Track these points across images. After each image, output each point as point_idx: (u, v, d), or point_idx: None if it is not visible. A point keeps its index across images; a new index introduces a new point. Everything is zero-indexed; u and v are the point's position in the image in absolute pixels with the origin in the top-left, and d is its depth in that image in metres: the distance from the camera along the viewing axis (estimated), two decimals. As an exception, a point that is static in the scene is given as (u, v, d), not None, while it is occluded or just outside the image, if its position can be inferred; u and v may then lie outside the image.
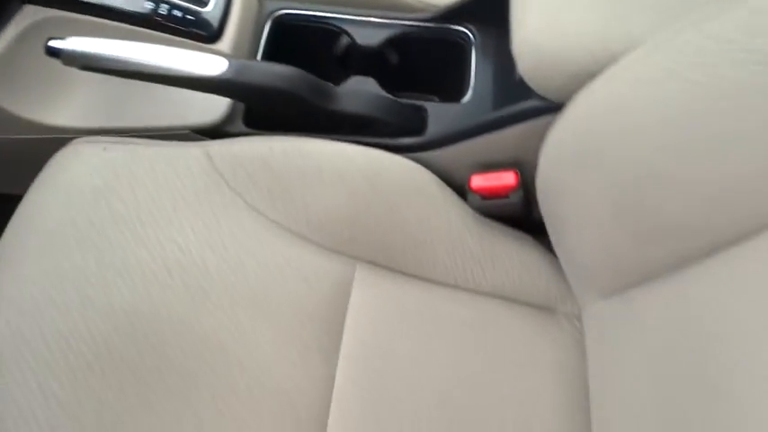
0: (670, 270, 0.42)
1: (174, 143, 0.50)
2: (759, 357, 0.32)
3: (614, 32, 0.42)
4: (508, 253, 0.56)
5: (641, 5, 0.42)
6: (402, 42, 0.62)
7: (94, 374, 0.41)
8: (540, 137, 0.48)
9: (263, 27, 0.60)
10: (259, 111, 0.54)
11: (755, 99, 0.33)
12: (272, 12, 0.61)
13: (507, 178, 0.52)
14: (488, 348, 0.53)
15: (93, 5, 0.51)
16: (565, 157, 0.46)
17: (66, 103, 0.51)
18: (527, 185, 0.53)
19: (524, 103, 0.49)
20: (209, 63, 0.48)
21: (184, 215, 0.48)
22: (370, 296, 0.52)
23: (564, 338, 0.55)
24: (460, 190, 0.56)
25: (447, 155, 0.55)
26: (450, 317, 0.54)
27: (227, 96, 0.52)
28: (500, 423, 0.49)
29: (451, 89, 0.60)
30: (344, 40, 0.62)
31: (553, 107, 0.47)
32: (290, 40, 0.60)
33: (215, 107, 0.53)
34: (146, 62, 0.46)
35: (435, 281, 0.55)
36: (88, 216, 0.45)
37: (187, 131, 0.52)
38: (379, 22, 0.62)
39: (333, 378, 0.48)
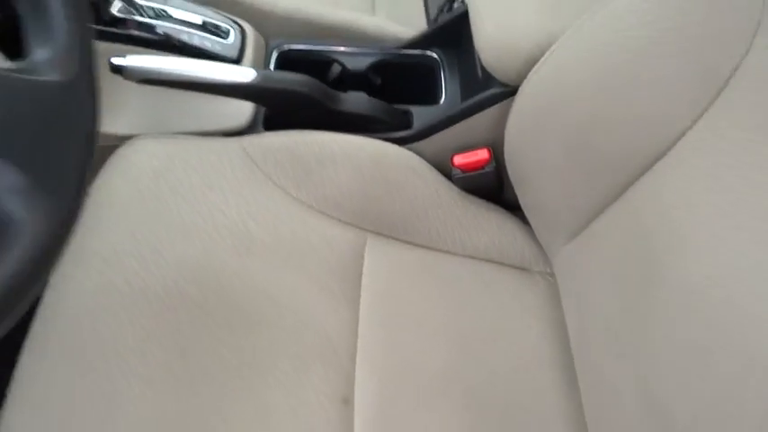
0: (617, 196, 0.55)
1: (215, 138, 0.61)
2: (693, 240, 0.45)
3: (550, 26, 0.57)
4: (488, 222, 0.69)
5: (567, 6, 0.57)
6: (383, 66, 0.77)
7: (169, 310, 0.50)
8: (504, 117, 0.62)
9: (270, 58, 0.74)
10: (277, 115, 0.66)
11: (645, 56, 0.48)
12: (277, 45, 0.75)
13: (482, 154, 0.66)
14: (478, 299, 0.64)
15: (141, 39, 0.64)
16: (525, 123, 0.60)
17: (118, 114, 0.62)
18: (498, 161, 0.66)
19: (487, 92, 0.63)
20: (242, 73, 0.60)
21: (227, 192, 0.58)
22: (379, 259, 0.63)
23: (539, 291, 0.67)
24: (446, 172, 0.68)
25: (431, 143, 0.68)
26: (444, 274, 0.65)
27: (255, 101, 0.64)
28: (492, 352, 0.60)
29: (428, 98, 0.74)
30: (336, 68, 0.76)
31: (510, 91, 0.61)
32: (292, 68, 0.74)
33: (241, 114, 0.66)
34: (195, 74, 0.59)
35: (431, 247, 0.66)
36: (151, 191, 0.55)
37: (220, 134, 0.64)
38: (363, 52, 0.77)
39: (357, 320, 0.58)
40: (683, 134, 0.49)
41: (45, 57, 0.31)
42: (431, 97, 0.74)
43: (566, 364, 0.59)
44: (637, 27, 0.49)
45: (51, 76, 0.31)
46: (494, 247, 0.68)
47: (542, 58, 0.57)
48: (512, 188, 0.67)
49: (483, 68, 0.64)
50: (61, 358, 0.46)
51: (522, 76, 0.59)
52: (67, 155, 0.30)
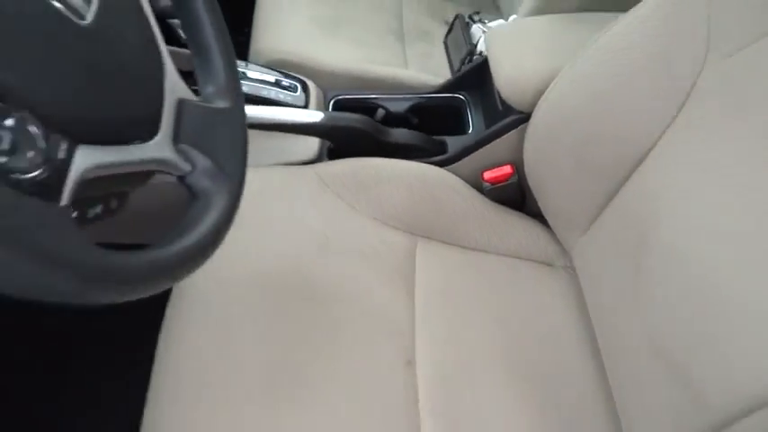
0: (615, 192, 0.69)
1: (293, 167, 0.78)
2: (671, 216, 0.58)
3: (552, 64, 0.73)
4: (515, 226, 0.83)
5: (565, 48, 0.74)
6: (419, 108, 0.94)
7: (274, 293, 0.65)
8: (522, 138, 0.78)
9: (329, 106, 0.92)
10: (339, 147, 0.83)
11: (621, 79, 0.64)
12: (333, 96, 0.93)
13: (506, 169, 0.81)
14: (512, 288, 0.78)
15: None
16: (538, 142, 0.75)
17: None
18: (520, 174, 0.82)
19: (507, 119, 0.79)
20: (312, 115, 0.78)
21: (307, 207, 0.74)
22: (428, 258, 0.77)
23: (562, 282, 0.80)
24: (478, 186, 0.84)
25: (465, 164, 0.84)
26: (482, 269, 0.79)
27: (321, 136, 0.81)
28: (527, 327, 0.73)
29: (458, 130, 0.90)
30: (381, 111, 0.93)
31: (525, 117, 0.77)
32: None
33: (310, 149, 0.83)
34: (278, 117, 0.76)
35: (469, 247, 0.81)
36: (250, 208, 0.71)
37: (296, 164, 0.81)
38: (402, 97, 0.94)
39: (413, 305, 0.72)
40: (659, 139, 0.64)
41: (212, 90, 0.48)
42: (460, 129, 0.90)
43: (589, 337, 0.72)
44: (612, 57, 0.65)
45: (219, 104, 0.47)
46: (521, 247, 0.82)
47: (548, 89, 0.73)
48: (533, 198, 0.82)
49: (502, 101, 0.81)
50: (197, 322, 0.61)
51: (534, 105, 0.75)
52: (236, 151, 0.46)
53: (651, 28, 0.63)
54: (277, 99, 0.84)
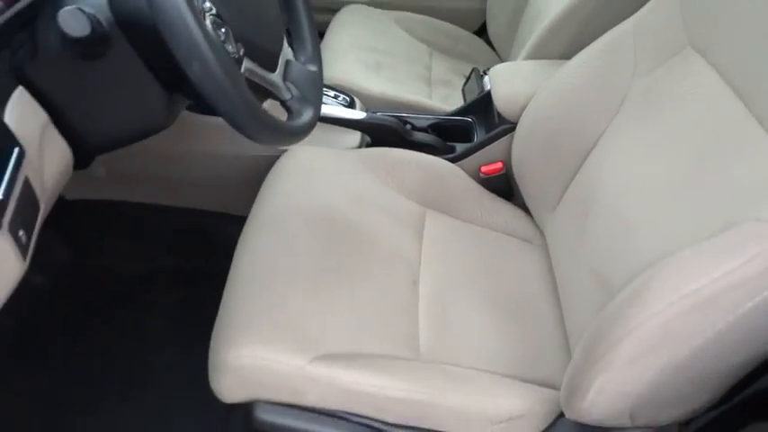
0: (574, 175, 0.95)
1: (341, 150, 1.07)
2: (606, 179, 0.84)
3: (534, 86, 1.03)
4: (503, 209, 1.09)
5: (544, 74, 1.03)
6: (437, 126, 1.23)
7: (323, 228, 0.91)
8: (510, 142, 1.06)
9: None
10: (375, 140, 1.11)
11: (575, 91, 0.92)
12: (372, 113, 1.23)
13: (498, 165, 1.09)
14: (498, 252, 1.03)
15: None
16: (521, 143, 1.03)
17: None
18: (508, 170, 1.09)
19: (500, 128, 1.08)
20: (358, 113, 1.08)
21: (348, 177, 1.02)
22: (434, 222, 1.03)
23: (536, 255, 1.04)
24: (477, 179, 1.11)
25: (468, 161, 1.11)
26: (474, 235, 1.04)
27: (363, 130, 1.10)
28: (506, 277, 0.97)
29: (466, 140, 1.19)
30: (408, 126, 1.22)
31: (513, 126, 1.05)
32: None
33: (354, 139, 1.11)
34: (333, 113, 1.06)
35: (466, 220, 1.06)
36: (306, 174, 0.99)
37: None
38: (425, 117, 1.24)
39: (420, 249, 0.97)
40: (602, 133, 0.91)
41: (304, 58, 0.78)
42: (467, 139, 1.19)
43: (552, 285, 0.95)
44: (570, 80, 0.94)
45: (308, 67, 0.77)
46: (507, 225, 1.08)
47: (529, 104, 1.02)
48: (519, 192, 1.08)
49: (498, 116, 1.09)
50: (268, 234, 0.88)
51: (519, 116, 1.04)
52: (316, 93, 0.75)
53: (594, 60, 0.93)
54: (335, 105, 1.14)
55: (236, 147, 1.08)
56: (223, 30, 0.59)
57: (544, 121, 0.99)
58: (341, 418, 0.73)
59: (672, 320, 0.57)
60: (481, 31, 1.76)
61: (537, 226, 1.07)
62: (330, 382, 0.71)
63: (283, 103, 0.73)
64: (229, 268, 0.85)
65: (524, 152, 1.04)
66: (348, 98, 1.19)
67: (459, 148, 1.15)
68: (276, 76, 0.70)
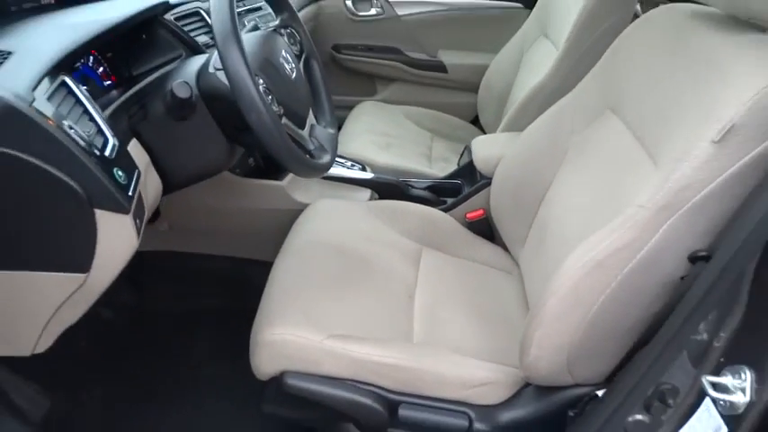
0: (536, 212, 1.21)
1: (353, 201, 1.35)
2: (557, 207, 1.11)
3: (504, 149, 1.32)
4: (485, 247, 1.35)
5: (510, 141, 1.33)
6: (433, 187, 1.52)
7: (339, 257, 1.17)
8: (489, 193, 1.33)
9: None
10: (381, 195, 1.40)
11: (530, 148, 1.21)
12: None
13: (480, 212, 1.35)
14: (481, 280, 1.27)
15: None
16: (496, 191, 1.30)
17: (307, 192, 1.38)
18: (489, 216, 1.35)
19: (481, 182, 1.36)
20: (367, 174, 1.37)
21: (359, 221, 1.29)
22: (429, 256, 1.28)
23: (514, 283, 1.29)
24: (463, 224, 1.37)
25: (456, 211, 1.39)
26: (463, 267, 1.29)
27: (371, 188, 1.39)
28: (487, 295, 1.21)
29: (456, 195, 1.47)
30: (408, 186, 1.51)
31: (490, 182, 1.33)
32: (388, 187, 1.50)
33: (364, 196, 1.40)
34: (347, 174, 1.35)
35: (456, 255, 1.32)
36: (326, 219, 1.27)
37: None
38: (422, 180, 1.53)
39: (417, 274, 1.22)
40: (552, 180, 1.18)
41: (324, 122, 1.08)
42: (457, 195, 1.47)
43: (525, 306, 1.18)
44: (527, 139, 1.23)
45: (328, 130, 1.07)
46: (489, 259, 1.32)
47: (500, 162, 1.30)
48: (498, 234, 1.34)
49: (479, 173, 1.38)
50: (295, 258, 1.14)
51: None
52: (333, 146, 1.05)
53: (544, 126, 1.22)
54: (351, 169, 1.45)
55: (270, 202, 1.37)
56: (270, 96, 0.90)
57: (511, 175, 1.27)
58: (350, 383, 0.95)
59: (578, 282, 0.81)
60: (475, 121, 2.10)
61: (513, 259, 1.32)
62: (341, 353, 0.95)
63: (308, 152, 1.02)
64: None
65: (498, 200, 1.31)
66: (361, 166, 1.50)
67: (450, 200, 1.43)
68: (304, 132, 1.00)
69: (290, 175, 1.41)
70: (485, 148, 1.40)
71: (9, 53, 0.78)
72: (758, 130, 0.70)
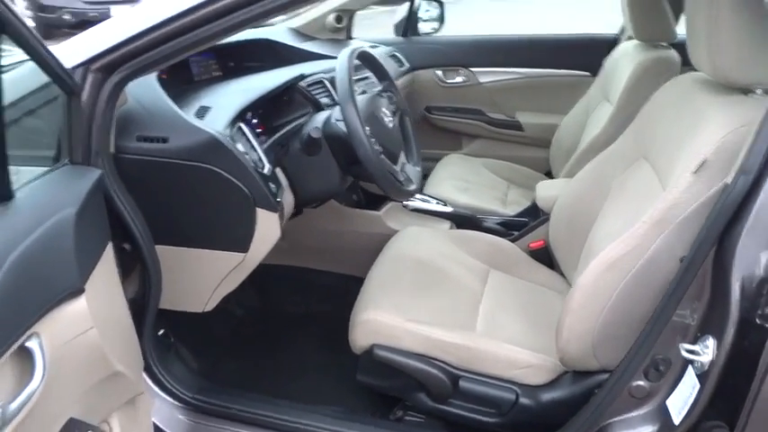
0: (584, 242, 1.47)
1: (437, 229, 1.67)
2: (599, 232, 1.37)
3: (562, 190, 1.60)
4: (545, 271, 1.61)
5: (565, 185, 1.61)
6: (503, 223, 1.80)
7: (420, 270, 1.49)
8: (548, 226, 1.60)
9: None
10: (459, 225, 1.71)
11: (586, 190, 1.48)
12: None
13: (540, 242, 1.62)
14: (537, 296, 1.53)
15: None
16: (553, 225, 1.57)
17: (397, 219, 1.72)
18: (548, 246, 1.61)
19: (542, 218, 1.63)
20: (449, 208, 1.69)
21: (438, 245, 1.60)
22: (495, 276, 1.57)
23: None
24: (527, 252, 1.64)
25: (521, 241, 1.66)
26: (524, 286, 1.56)
27: (451, 220, 1.71)
28: (541, 307, 1.47)
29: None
30: (482, 220, 1.81)
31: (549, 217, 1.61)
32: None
33: (445, 226, 1.72)
34: (431, 208, 1.68)
35: (518, 276, 1.59)
36: (411, 241, 1.59)
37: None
38: (494, 217, 1.82)
39: (483, 290, 1.50)
40: (598, 213, 1.44)
41: (411, 164, 1.42)
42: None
43: None
44: (578, 182, 1.50)
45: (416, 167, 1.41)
46: (547, 281, 1.58)
47: (557, 200, 1.58)
48: (556, 262, 1.60)
49: (541, 210, 1.65)
50: (385, 265, 1.46)
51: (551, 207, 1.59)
52: (416, 181, 1.39)
53: (593, 171, 1.49)
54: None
55: (368, 227, 1.73)
56: (373, 139, 1.26)
57: (565, 211, 1.54)
58: (423, 357, 1.24)
59: (597, 278, 1.07)
60: (549, 173, 2.37)
61: (568, 283, 1.56)
62: (416, 332, 1.24)
63: (398, 181, 1.36)
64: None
65: (555, 232, 1.57)
66: (443, 203, 1.82)
67: (517, 233, 1.71)
68: (397, 167, 1.35)
69: (386, 208, 1.77)
70: (545, 190, 1.68)
71: (209, 107, 1.20)
72: (725, 165, 0.95)
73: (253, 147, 1.19)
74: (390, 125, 1.37)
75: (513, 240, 1.68)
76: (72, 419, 0.77)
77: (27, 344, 0.69)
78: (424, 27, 2.58)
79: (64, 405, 0.77)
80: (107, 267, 0.92)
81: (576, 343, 1.13)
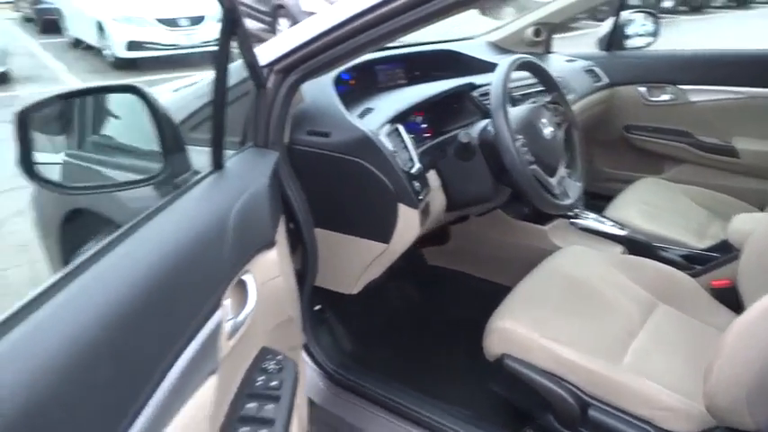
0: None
1: (605, 251, 1.57)
2: None
3: (761, 225, 1.39)
4: (727, 314, 1.40)
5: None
6: (689, 257, 1.61)
7: (571, 289, 1.42)
8: (736, 267, 1.40)
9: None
10: (631, 253, 1.58)
11: None
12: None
13: (725, 281, 1.42)
14: (711, 343, 1.35)
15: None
16: (744, 262, 1.37)
17: (563, 237, 1.65)
18: (735, 286, 1.41)
19: (730, 254, 1.43)
20: (622, 230, 1.58)
21: (599, 268, 1.50)
22: (664, 311, 1.41)
23: None
24: (707, 290, 1.45)
25: (702, 279, 1.47)
26: (697, 328, 1.38)
27: (621, 243, 1.59)
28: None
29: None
30: (662, 251, 1.64)
31: (737, 254, 1.40)
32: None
33: (616, 251, 1.60)
34: (602, 228, 1.59)
35: (692, 315, 1.41)
36: (570, 258, 1.51)
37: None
38: (677, 249, 1.64)
39: (644, 322, 1.37)
40: None
41: (574, 175, 1.37)
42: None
43: None
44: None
45: (577, 181, 1.36)
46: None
47: (751, 235, 1.37)
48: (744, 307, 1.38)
49: (731, 246, 1.45)
50: (536, 280, 1.43)
51: (741, 242, 1.39)
52: (573, 195, 1.33)
53: None
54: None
55: (532, 240, 1.69)
56: (525, 148, 1.25)
57: (759, 248, 1.33)
58: (552, 376, 1.19)
59: (755, 321, 0.92)
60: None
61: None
62: (548, 349, 1.20)
63: (552, 193, 1.32)
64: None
65: (745, 270, 1.36)
66: (619, 225, 1.70)
67: (700, 268, 1.52)
68: (553, 180, 1.31)
69: (552, 224, 1.71)
70: (741, 223, 1.47)
71: (372, 109, 1.32)
72: None
73: (405, 147, 1.28)
74: (549, 136, 1.33)
75: (693, 275, 1.50)
76: (264, 347, 0.93)
77: (243, 277, 0.87)
78: (637, 42, 2.41)
79: (259, 336, 0.93)
80: (282, 233, 1.08)
81: (725, 391, 0.98)
